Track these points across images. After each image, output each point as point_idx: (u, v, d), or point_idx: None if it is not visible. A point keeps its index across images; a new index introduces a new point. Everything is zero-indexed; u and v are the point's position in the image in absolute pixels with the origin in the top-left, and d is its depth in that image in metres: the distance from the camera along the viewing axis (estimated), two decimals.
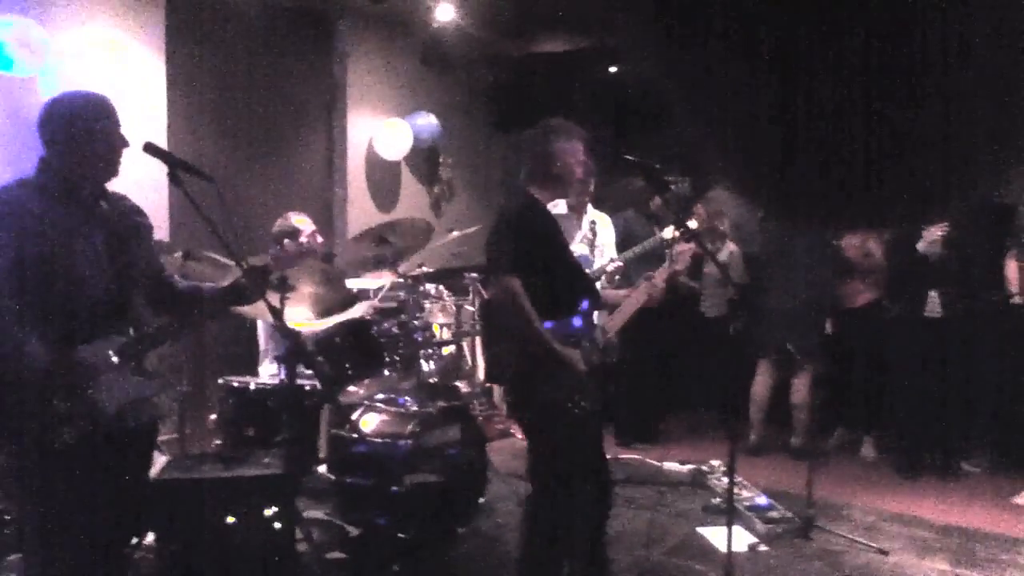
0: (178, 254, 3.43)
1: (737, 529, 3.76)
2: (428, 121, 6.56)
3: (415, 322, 4.16)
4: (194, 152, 4.97)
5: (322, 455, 3.89)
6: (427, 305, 5.00)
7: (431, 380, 4.37)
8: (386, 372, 3.92)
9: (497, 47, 6.95)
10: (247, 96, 5.57)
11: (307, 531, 3.33)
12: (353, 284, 4.55)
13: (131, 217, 2.51)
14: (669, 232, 3.48)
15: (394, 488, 3.50)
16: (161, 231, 4.39)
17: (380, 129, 6.35)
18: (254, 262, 2.62)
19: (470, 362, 6.05)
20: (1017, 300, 5.04)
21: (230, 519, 2.91)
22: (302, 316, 3.83)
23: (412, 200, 6.81)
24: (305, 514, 3.56)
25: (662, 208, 5.43)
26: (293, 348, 2.88)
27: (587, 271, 3.61)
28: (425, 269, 4.75)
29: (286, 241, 4.15)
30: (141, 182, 3.07)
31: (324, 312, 3.86)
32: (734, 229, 5.94)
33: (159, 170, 2.42)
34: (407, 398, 3.89)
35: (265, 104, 5.70)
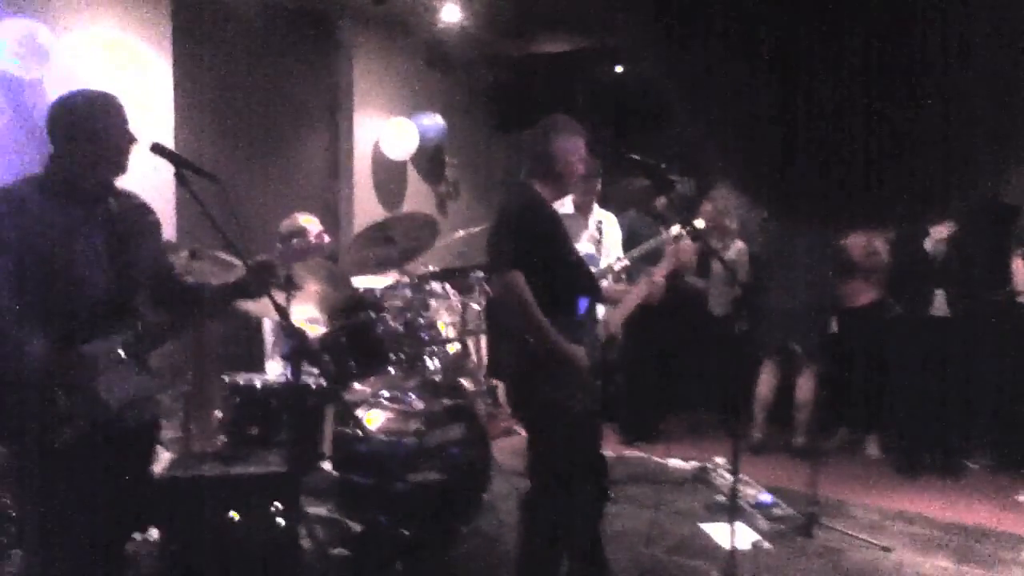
0: (184, 253, 3.44)
1: (740, 526, 3.76)
2: (434, 121, 6.56)
3: (420, 320, 4.16)
4: (200, 152, 4.99)
5: (327, 452, 3.90)
6: (433, 303, 5.01)
7: (436, 378, 4.38)
8: (391, 370, 3.93)
9: (497, 47, 6.95)
10: (253, 97, 5.60)
11: (310, 528, 3.35)
12: (359, 283, 4.56)
13: (139, 215, 2.52)
14: (676, 230, 3.48)
15: (398, 485, 3.52)
16: (168, 231, 4.38)
17: (386, 129, 6.35)
18: (260, 259, 2.63)
19: (475, 360, 6.06)
20: (1023, 299, 5.04)
21: (234, 516, 2.93)
22: (308, 315, 3.84)
23: (418, 200, 6.82)
24: (308, 511, 3.57)
25: (667, 207, 5.44)
26: (298, 346, 2.90)
27: (593, 270, 3.62)
28: (431, 268, 4.76)
29: (293, 241, 4.16)
30: (148, 182, 3.09)
31: (330, 311, 3.87)
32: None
33: (166, 170, 2.44)
34: (412, 396, 3.91)
35: (270, 104, 5.73)
